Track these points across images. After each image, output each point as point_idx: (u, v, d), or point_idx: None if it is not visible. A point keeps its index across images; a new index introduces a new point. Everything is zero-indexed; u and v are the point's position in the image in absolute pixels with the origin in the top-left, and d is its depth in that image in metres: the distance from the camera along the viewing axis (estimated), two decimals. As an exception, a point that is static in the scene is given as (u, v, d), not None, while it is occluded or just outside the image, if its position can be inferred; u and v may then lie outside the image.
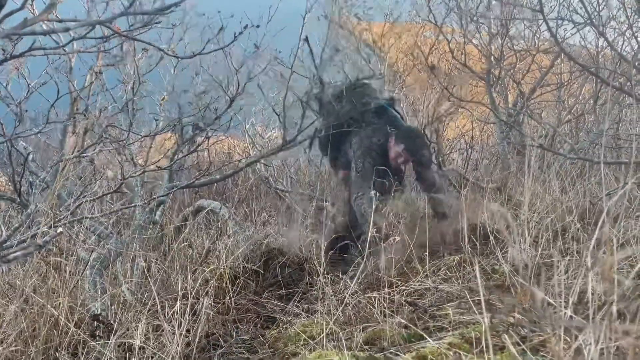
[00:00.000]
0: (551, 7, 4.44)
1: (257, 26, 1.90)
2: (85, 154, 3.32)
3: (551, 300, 1.36)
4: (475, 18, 4.90)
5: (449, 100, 4.75)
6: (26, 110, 3.55)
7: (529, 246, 2.49)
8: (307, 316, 2.51)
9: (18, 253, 1.11)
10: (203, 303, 2.08)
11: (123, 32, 1.53)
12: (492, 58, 5.11)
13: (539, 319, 1.49)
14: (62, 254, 2.62)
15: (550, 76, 5.37)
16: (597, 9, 3.28)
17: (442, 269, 2.89)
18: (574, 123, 5.42)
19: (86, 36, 1.73)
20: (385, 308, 2.12)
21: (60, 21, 1.53)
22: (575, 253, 2.47)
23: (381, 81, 3.79)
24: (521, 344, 1.56)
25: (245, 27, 1.66)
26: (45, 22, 1.48)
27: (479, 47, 5.40)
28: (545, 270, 2.33)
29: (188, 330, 2.07)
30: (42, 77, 3.31)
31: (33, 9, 2.58)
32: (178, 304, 2.07)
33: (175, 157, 3.49)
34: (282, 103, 2.97)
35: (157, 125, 4.39)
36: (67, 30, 1.10)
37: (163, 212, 3.66)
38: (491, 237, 2.88)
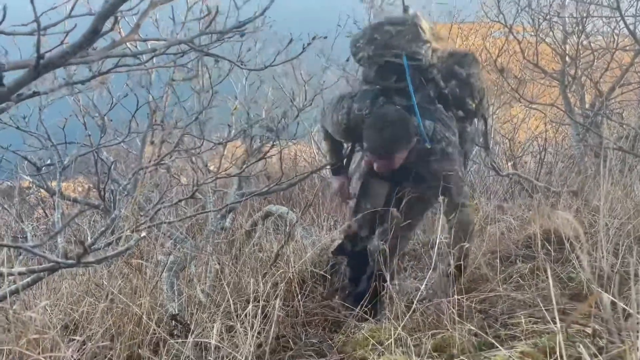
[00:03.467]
0: (630, 2, 4.21)
1: (325, 37, 1.95)
2: (162, 163, 3.52)
3: (631, 310, 1.30)
4: (548, 17, 4.72)
5: (522, 99, 4.59)
6: (111, 120, 3.82)
7: (608, 253, 2.38)
8: (375, 321, 2.52)
9: (110, 254, 1.21)
10: (274, 306, 2.14)
11: (198, 48, 1.63)
12: (567, 57, 4.89)
13: (618, 330, 1.43)
14: (142, 257, 2.79)
15: (631, 74, 5.08)
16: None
17: (514, 276, 2.81)
18: (658, 123, 5.09)
19: (165, 52, 1.85)
20: (454, 315, 2.09)
21: (144, 40, 1.64)
22: (659, 261, 2.33)
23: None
24: (598, 355, 1.50)
25: (314, 38, 1.71)
26: (130, 42, 1.60)
27: (552, 46, 5.19)
28: (626, 278, 2.22)
29: (259, 332, 2.15)
30: (123, 90, 3.55)
31: (119, 29, 2.77)
32: (250, 306, 2.14)
33: (244, 165, 3.62)
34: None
35: (228, 133, 4.56)
36: (154, 51, 1.19)
37: (234, 218, 3.79)
38: (567, 244, 2.77)
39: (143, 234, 1.68)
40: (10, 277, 1.78)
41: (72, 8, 1.16)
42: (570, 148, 5.72)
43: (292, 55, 2.32)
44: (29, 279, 1.73)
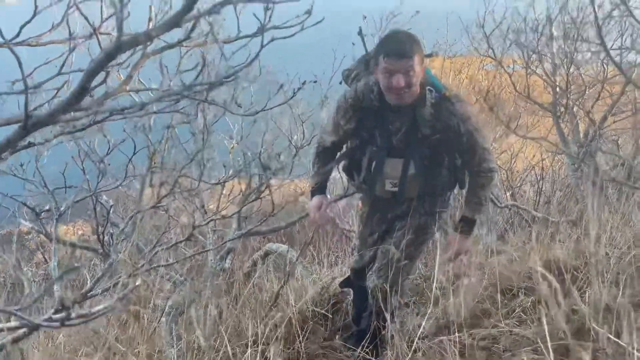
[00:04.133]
0: (619, 31, 4.30)
1: (315, 82, 1.99)
2: (159, 204, 3.52)
3: (629, 348, 1.28)
4: (536, 50, 4.82)
5: (515, 133, 4.63)
6: (109, 164, 3.85)
7: (610, 284, 2.36)
8: (378, 361, 2.48)
9: (102, 308, 1.21)
10: (272, 352, 2.12)
11: (192, 96, 1.66)
12: (558, 88, 4.97)
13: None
14: (141, 302, 2.77)
15: (625, 100, 5.14)
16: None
17: (516, 310, 2.78)
18: (654, 149, 5.12)
19: (159, 99, 1.88)
20: (456, 353, 2.06)
21: (136, 91, 1.67)
22: (662, 292, 2.31)
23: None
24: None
25: (304, 83, 1.74)
26: (125, 92, 1.63)
27: (543, 77, 5.28)
28: (631, 311, 2.19)
29: (259, 377, 2.11)
30: (121, 134, 3.58)
31: (119, 76, 2.81)
32: (249, 351, 2.12)
33: (242, 205, 3.63)
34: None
35: (225, 173, 4.58)
36: (143, 106, 1.21)
37: (233, 258, 3.77)
38: (567, 276, 2.74)
39: (138, 281, 1.67)
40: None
41: (62, 65, 1.19)
42: (567, 177, 5.74)
43: (289, 93, 2.35)
44: (9, 338, 1.69)
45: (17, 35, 1.79)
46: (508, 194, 6.12)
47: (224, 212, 3.55)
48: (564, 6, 4.90)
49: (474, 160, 2.48)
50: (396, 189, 2.58)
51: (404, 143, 2.51)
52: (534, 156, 6.89)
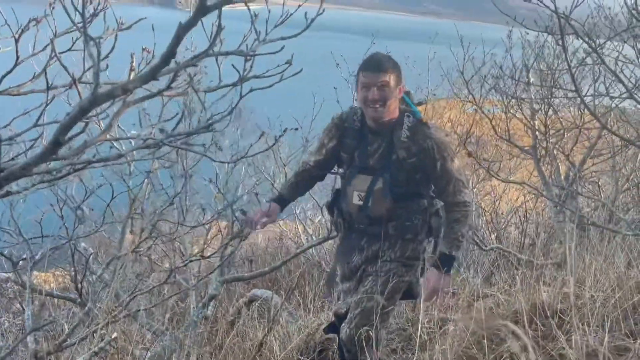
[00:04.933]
0: (593, 77, 4.43)
1: (296, 129, 2.00)
2: (138, 249, 3.47)
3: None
4: (515, 95, 4.95)
5: (495, 177, 4.68)
6: (92, 209, 3.80)
7: (597, 327, 2.34)
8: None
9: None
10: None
11: (172, 144, 1.65)
12: (537, 132, 5.08)
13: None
14: (119, 353, 2.67)
15: (603, 142, 5.25)
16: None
17: (504, 356, 2.73)
18: (634, 191, 5.20)
19: (140, 147, 1.88)
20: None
21: (116, 139, 1.66)
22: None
23: None
24: None
25: (285, 130, 1.75)
26: (104, 140, 1.62)
27: (523, 121, 5.40)
28: (616, 355, 2.17)
29: None
30: (99, 179, 3.56)
31: (99, 124, 2.81)
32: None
33: (224, 246, 3.59)
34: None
35: (204, 215, 4.54)
36: (119, 157, 1.21)
37: (215, 305, 3.70)
38: (552, 320, 2.72)
39: (114, 335, 1.62)
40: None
41: (39, 117, 1.18)
42: (550, 219, 5.79)
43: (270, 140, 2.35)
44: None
45: (-2, 84, 1.79)
46: (493, 236, 6.13)
47: (200, 255, 3.49)
48: (539, 54, 5.09)
49: (448, 190, 2.49)
50: (361, 202, 2.57)
51: (379, 164, 2.56)
52: (517, 198, 6.96)
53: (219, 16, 1.08)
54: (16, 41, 1.81)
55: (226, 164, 5.29)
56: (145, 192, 3.73)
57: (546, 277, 3.71)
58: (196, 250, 4.90)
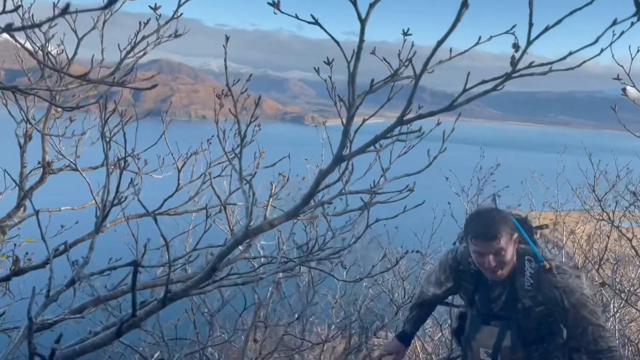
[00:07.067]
0: None
1: (417, 251, 2.05)
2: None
3: None
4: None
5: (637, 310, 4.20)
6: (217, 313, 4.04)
7: None
8: None
9: None
10: None
11: (303, 264, 1.80)
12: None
13: None
14: None
15: None
16: None
17: None
18: None
19: (278, 271, 2.05)
20: None
21: (254, 258, 1.85)
22: None
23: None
24: None
25: (406, 252, 1.82)
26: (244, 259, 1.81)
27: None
28: None
29: None
30: (232, 289, 3.82)
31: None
32: None
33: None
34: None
35: (328, 331, 4.59)
36: (258, 275, 1.35)
37: None
38: None
39: None
40: None
41: (198, 241, 1.38)
42: None
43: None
44: None
45: (160, 207, 2.11)
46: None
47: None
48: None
49: (586, 338, 2.29)
50: (489, 359, 2.45)
51: (504, 311, 2.44)
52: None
53: (348, 162, 1.24)
54: (179, 171, 2.14)
55: (345, 276, 5.38)
56: (269, 301, 3.91)
57: None
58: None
